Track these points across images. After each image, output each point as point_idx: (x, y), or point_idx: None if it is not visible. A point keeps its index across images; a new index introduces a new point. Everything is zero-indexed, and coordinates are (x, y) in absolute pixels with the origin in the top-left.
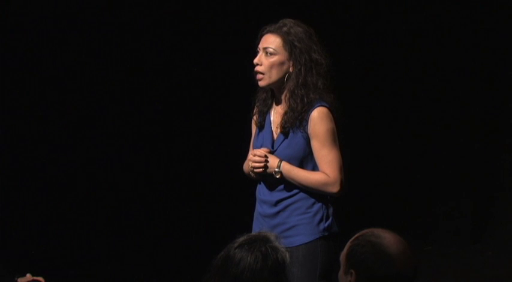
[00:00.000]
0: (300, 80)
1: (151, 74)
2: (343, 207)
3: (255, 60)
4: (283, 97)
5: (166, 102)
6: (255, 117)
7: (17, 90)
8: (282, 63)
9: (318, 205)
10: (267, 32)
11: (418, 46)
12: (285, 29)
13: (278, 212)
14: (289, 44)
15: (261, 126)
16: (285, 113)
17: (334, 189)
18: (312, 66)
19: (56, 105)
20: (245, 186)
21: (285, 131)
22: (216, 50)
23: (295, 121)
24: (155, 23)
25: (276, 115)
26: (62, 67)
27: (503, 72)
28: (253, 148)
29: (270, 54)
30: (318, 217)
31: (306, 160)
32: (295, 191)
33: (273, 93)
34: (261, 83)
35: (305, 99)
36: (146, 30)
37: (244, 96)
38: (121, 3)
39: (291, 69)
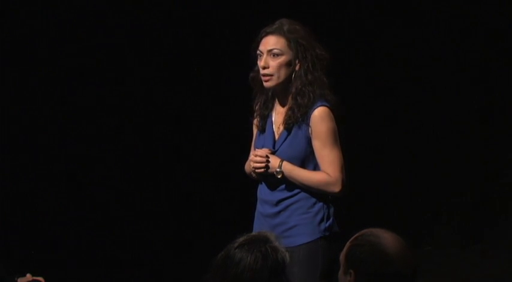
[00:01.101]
0: (309, 77)
1: (150, 74)
2: (343, 207)
3: (261, 64)
4: (288, 95)
5: (166, 102)
6: (255, 121)
7: (16, 88)
8: (289, 63)
9: (319, 205)
10: (267, 34)
11: (419, 44)
12: (285, 28)
13: (279, 212)
14: (293, 42)
15: (262, 129)
16: (290, 109)
17: (336, 189)
18: (316, 62)
19: (57, 105)
20: (246, 186)
21: (288, 127)
22: (216, 50)
23: (299, 117)
24: (154, 24)
25: (277, 115)
26: (61, 66)
27: (503, 71)
28: (255, 149)
29: (276, 55)
30: (319, 217)
31: (308, 160)
32: (296, 190)
33: (273, 94)
34: (268, 84)
35: (311, 95)
36: (145, 31)
37: (245, 96)
38: (121, 3)
39: (297, 68)
